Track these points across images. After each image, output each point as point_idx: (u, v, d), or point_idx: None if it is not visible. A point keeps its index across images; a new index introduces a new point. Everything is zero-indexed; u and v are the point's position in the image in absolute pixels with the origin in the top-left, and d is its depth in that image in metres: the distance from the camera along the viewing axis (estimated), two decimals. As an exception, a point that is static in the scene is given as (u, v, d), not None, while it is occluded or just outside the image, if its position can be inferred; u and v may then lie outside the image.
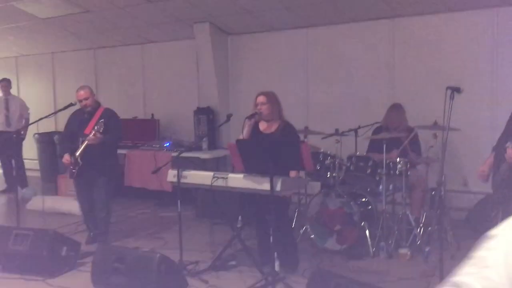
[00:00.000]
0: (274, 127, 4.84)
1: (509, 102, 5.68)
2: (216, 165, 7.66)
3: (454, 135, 5.87)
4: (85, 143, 5.39)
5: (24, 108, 8.85)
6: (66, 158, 5.56)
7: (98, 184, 5.63)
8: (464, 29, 6.45)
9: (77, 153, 5.45)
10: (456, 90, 3.62)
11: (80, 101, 5.60)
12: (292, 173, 4.62)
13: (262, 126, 4.91)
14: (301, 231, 5.64)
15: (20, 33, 9.31)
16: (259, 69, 7.99)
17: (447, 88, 3.61)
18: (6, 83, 8.80)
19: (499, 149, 4.03)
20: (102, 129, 5.34)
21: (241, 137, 4.84)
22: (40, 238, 4.78)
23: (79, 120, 5.68)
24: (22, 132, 8.49)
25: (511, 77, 6.10)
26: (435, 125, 5.39)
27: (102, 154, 5.51)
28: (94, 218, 5.75)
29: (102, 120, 5.40)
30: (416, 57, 6.76)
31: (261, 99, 4.82)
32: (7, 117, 8.64)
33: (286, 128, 4.81)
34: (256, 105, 4.83)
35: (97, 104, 5.73)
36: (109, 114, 5.66)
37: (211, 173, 4.62)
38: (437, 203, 3.89)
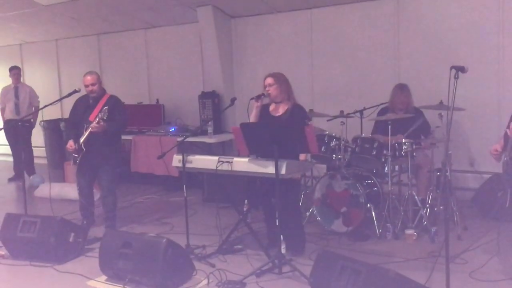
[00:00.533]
0: (283, 109, 4.83)
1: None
2: (222, 149, 7.68)
3: (460, 115, 5.84)
4: (89, 130, 5.40)
5: (33, 96, 8.87)
6: (70, 144, 5.58)
7: (103, 171, 5.65)
8: (470, 6, 6.36)
9: (81, 140, 5.47)
10: (460, 69, 3.57)
11: (87, 86, 5.59)
12: (302, 156, 4.62)
13: (272, 108, 4.92)
14: (308, 214, 5.66)
15: (23, 20, 9.30)
16: (263, 51, 7.95)
17: (452, 67, 3.56)
18: (18, 70, 8.82)
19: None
20: (106, 116, 5.33)
21: (252, 118, 4.83)
22: (47, 225, 4.82)
23: (84, 106, 5.68)
24: (32, 120, 8.56)
25: (518, 55, 6.04)
26: (440, 105, 5.37)
27: (106, 141, 5.52)
28: (90, 206, 5.80)
29: (106, 107, 5.38)
30: (421, 36, 6.68)
31: (269, 80, 4.82)
32: (16, 105, 8.67)
33: (295, 110, 4.80)
34: (264, 86, 4.83)
35: (103, 91, 5.72)
36: (114, 101, 5.65)
37: (216, 158, 4.62)
38: (442, 184, 3.87)
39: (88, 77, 5.59)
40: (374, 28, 7.00)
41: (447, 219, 3.30)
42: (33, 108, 8.67)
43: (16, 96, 8.69)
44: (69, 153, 5.83)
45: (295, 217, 4.91)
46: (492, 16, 6.22)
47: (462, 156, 6.42)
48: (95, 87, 5.58)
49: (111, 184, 5.72)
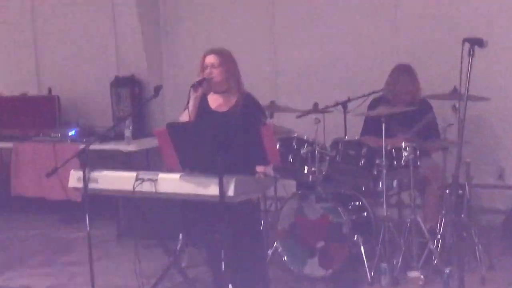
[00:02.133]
0: (231, 102, 4.82)
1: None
2: (146, 160, 7.60)
3: (483, 107, 5.95)
4: None
5: None
6: None
7: None
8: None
9: None
10: (477, 43, 3.62)
11: None
12: (260, 169, 4.63)
13: (213, 100, 4.89)
14: (270, 252, 5.66)
15: None
16: (205, 23, 7.91)
17: (464, 40, 3.60)
18: None
19: None
20: None
21: (185, 114, 4.77)
22: None
23: None
24: None
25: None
26: (454, 93, 5.42)
27: None
28: None
29: None
30: (427, 2, 6.79)
31: (211, 59, 4.77)
32: None
33: (249, 104, 4.81)
34: (204, 68, 4.78)
35: None
36: None
37: (133, 174, 4.57)
38: (453, 205, 3.93)
39: None
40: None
41: (462, 256, 3.34)
42: None
43: None
44: None
45: (255, 256, 4.92)
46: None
47: (488, 166, 6.54)
48: None
49: None
